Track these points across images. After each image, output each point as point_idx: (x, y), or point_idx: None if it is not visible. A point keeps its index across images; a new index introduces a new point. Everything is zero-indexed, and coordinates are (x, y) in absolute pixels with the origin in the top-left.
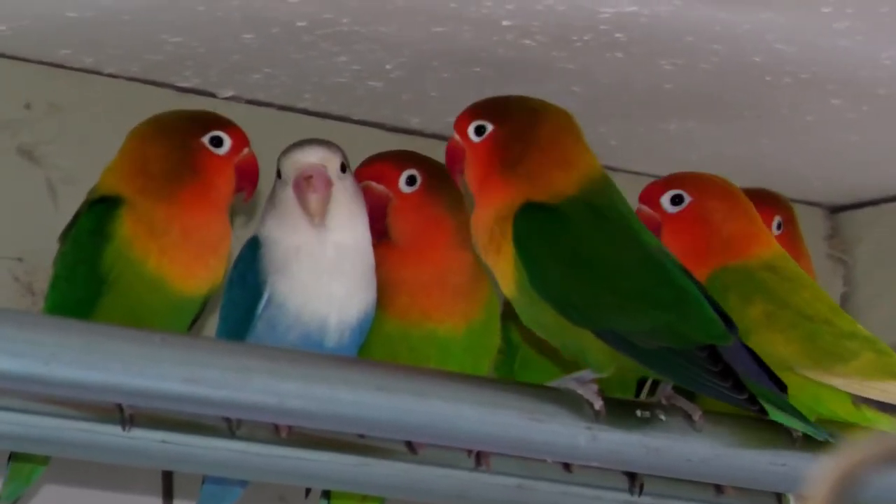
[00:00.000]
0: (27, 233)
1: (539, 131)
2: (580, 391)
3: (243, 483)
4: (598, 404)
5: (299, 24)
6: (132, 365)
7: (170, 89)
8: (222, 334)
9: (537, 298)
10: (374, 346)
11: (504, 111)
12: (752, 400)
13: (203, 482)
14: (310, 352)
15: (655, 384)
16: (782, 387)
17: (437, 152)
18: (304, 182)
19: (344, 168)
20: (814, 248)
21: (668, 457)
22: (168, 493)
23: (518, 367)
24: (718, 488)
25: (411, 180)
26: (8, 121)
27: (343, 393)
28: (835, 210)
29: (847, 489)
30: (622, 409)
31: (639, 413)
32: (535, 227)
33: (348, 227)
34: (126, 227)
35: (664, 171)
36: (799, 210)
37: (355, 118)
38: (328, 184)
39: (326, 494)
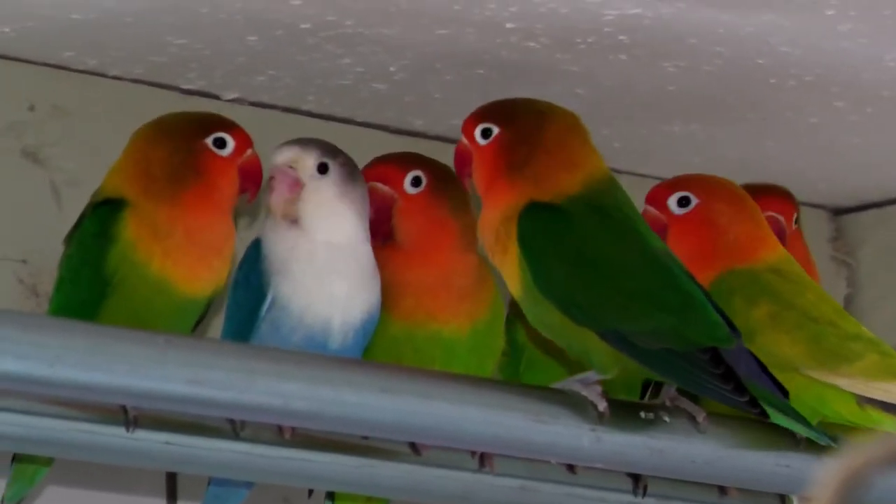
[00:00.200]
0: (31, 235)
1: (545, 133)
2: (584, 393)
3: (248, 485)
4: (602, 406)
5: (303, 26)
6: (136, 366)
7: (174, 91)
8: (227, 336)
9: (541, 298)
10: (378, 348)
11: (510, 114)
12: (754, 403)
13: (208, 484)
14: (314, 353)
15: (659, 386)
16: (784, 391)
17: (441, 154)
18: (269, 183)
19: (324, 168)
20: (817, 250)
21: (672, 458)
22: (172, 494)
23: (524, 368)
24: (722, 490)
25: (416, 181)
26: (12, 123)
27: (347, 394)
28: (838, 212)
29: (851, 491)
30: (626, 410)
31: (643, 415)
32: (540, 226)
33: (335, 227)
34: (130, 230)
35: (667, 174)
36: (803, 212)
37: (359, 120)
38: (294, 184)
39: (330, 496)
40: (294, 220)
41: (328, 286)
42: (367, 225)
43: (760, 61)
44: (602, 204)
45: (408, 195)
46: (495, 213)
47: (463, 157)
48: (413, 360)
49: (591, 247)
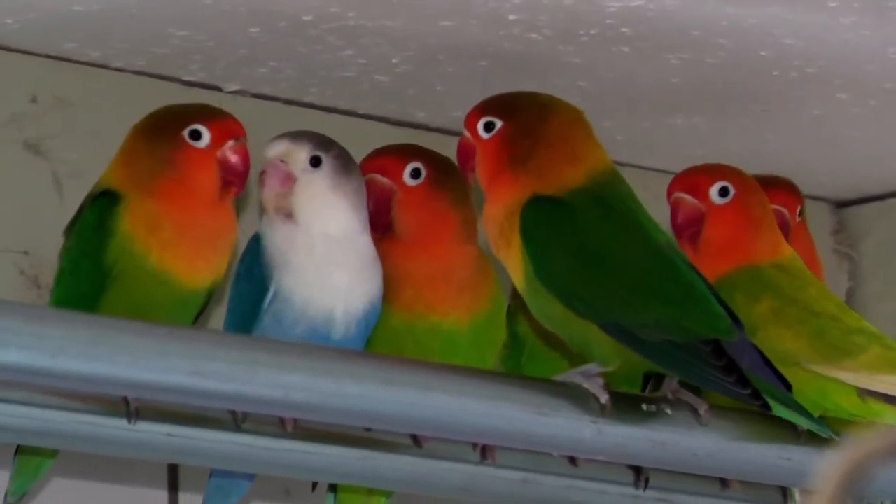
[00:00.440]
0: (33, 226)
1: (548, 127)
2: (586, 385)
3: (250, 476)
4: (604, 398)
5: (305, 18)
6: (138, 358)
7: (176, 83)
8: (229, 328)
9: (544, 290)
10: (379, 340)
11: (513, 107)
12: (756, 395)
13: (210, 476)
14: (315, 345)
15: (661, 378)
16: (787, 384)
17: (443, 146)
18: (260, 177)
19: (317, 161)
20: (820, 243)
21: (674, 451)
22: (174, 486)
23: (525, 360)
24: (724, 482)
25: (416, 173)
26: (14, 114)
27: (349, 386)
28: (841, 205)
29: (853, 483)
30: (628, 403)
31: (644, 407)
32: (542, 218)
33: (329, 219)
34: (126, 223)
35: (670, 166)
36: (805, 205)
37: (361, 112)
38: (286, 178)
39: (332, 488)
40: (287, 214)
41: (329, 278)
42: (364, 216)
43: (764, 53)
44: (605, 197)
45: (407, 187)
46: (499, 207)
47: (466, 151)
48: (413, 352)
49: (593, 239)
